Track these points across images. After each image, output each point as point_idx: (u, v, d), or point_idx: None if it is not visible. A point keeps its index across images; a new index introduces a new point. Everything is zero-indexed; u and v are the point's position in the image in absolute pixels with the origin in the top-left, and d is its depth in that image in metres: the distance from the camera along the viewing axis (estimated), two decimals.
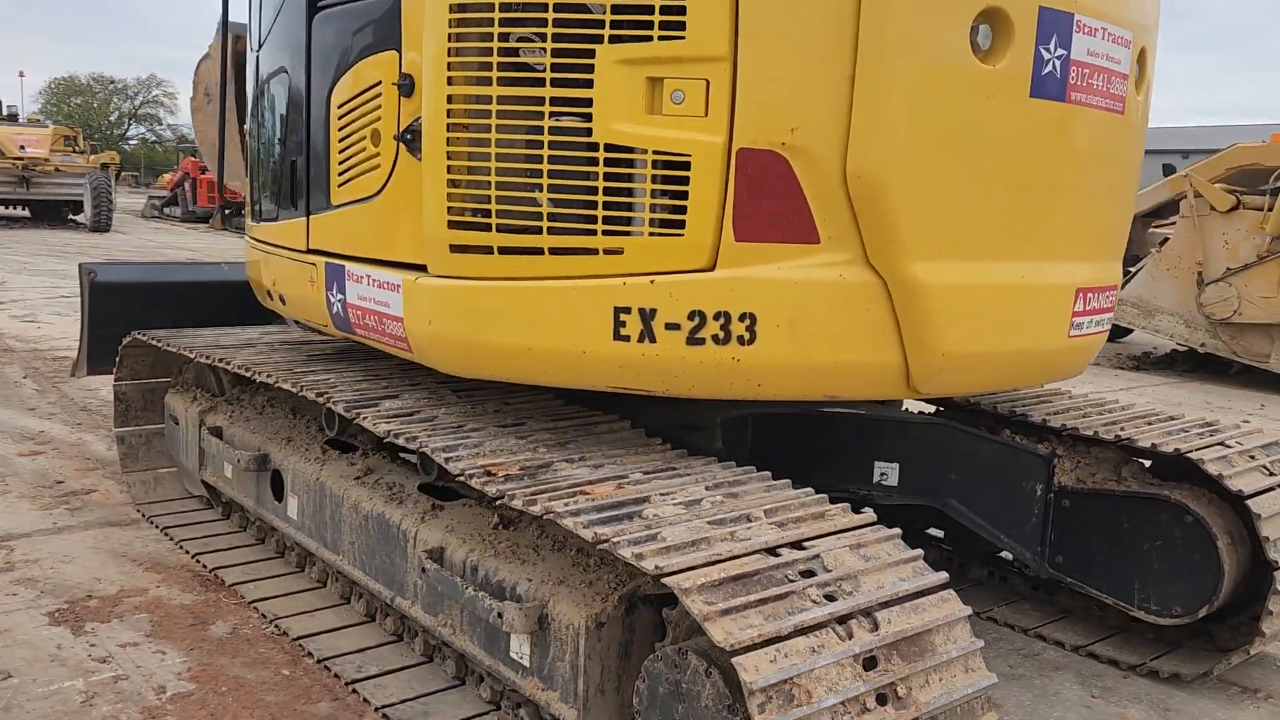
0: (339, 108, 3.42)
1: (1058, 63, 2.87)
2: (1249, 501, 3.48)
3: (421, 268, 3.11)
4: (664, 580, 2.20)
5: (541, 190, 2.80)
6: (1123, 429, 3.87)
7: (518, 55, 2.79)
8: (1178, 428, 3.94)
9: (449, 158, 2.90)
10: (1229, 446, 3.75)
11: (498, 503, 2.68)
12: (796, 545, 2.43)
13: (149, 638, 3.69)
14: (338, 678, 3.45)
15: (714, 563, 2.28)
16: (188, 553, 4.50)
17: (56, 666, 3.44)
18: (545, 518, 2.51)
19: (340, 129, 3.42)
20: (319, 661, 3.56)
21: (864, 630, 2.25)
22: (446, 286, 2.97)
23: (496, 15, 2.77)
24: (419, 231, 3.11)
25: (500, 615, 2.79)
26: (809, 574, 2.33)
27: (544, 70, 2.74)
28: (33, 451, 5.98)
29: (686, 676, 2.33)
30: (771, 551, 2.38)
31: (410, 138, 3.07)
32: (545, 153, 2.78)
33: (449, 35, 2.84)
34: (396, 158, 3.19)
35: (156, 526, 4.82)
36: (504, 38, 2.78)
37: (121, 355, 5.13)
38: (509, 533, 3.13)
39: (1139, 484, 3.81)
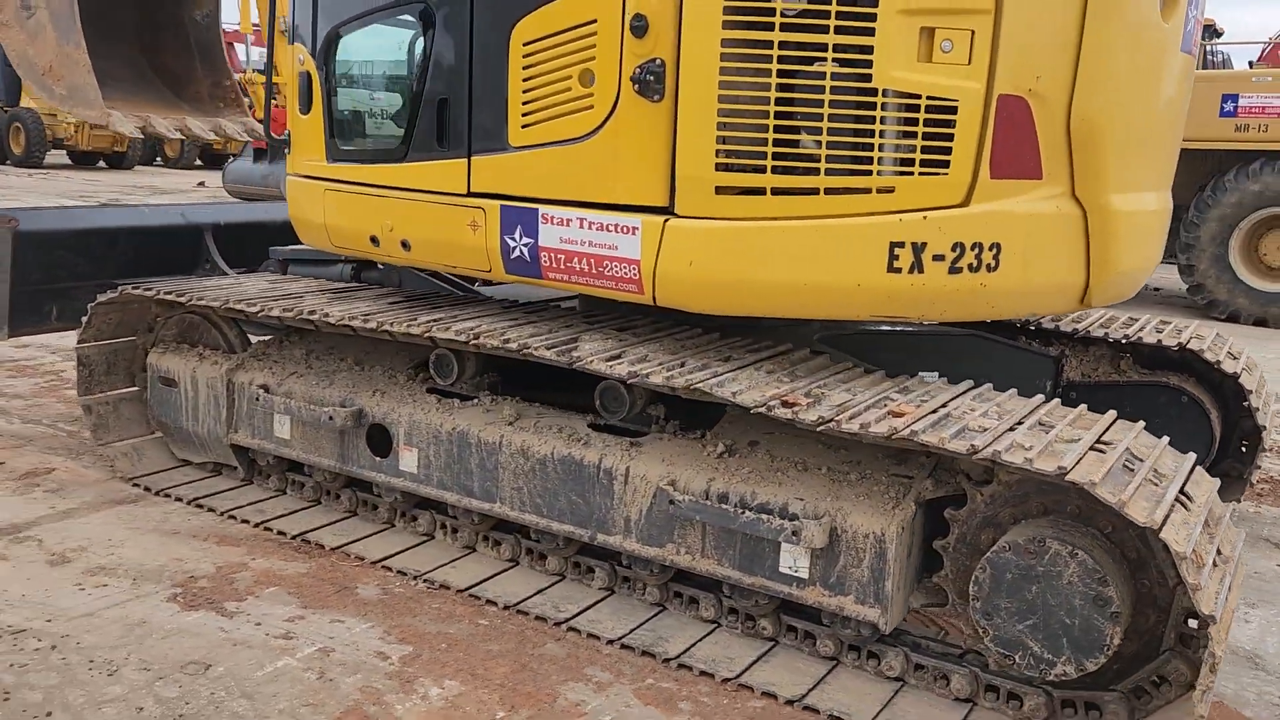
0: (526, 45, 3.30)
1: (1193, 20, 3.41)
2: (1241, 379, 4.34)
3: (660, 210, 3.16)
4: (1070, 480, 2.54)
5: (821, 134, 2.96)
6: (1121, 330, 4.61)
7: (800, 2, 2.90)
8: (1162, 328, 4.76)
9: (720, 102, 2.97)
10: (1203, 338, 4.61)
11: (819, 429, 2.87)
12: (1105, 443, 2.85)
13: (308, 609, 3.49)
14: (541, 619, 3.47)
15: (1080, 461, 2.65)
16: (247, 522, 4.18)
17: (245, 649, 3.20)
18: (904, 438, 2.75)
19: (528, 68, 3.31)
20: (506, 608, 3.55)
21: (1187, 503, 2.73)
22: (713, 228, 3.06)
23: (778, 9, 2.87)
24: (652, 174, 3.15)
25: (795, 533, 3.01)
26: (1133, 463, 2.77)
27: (828, 17, 2.89)
28: None
29: (1044, 561, 2.71)
30: (1098, 448, 2.79)
31: (651, 79, 3.07)
32: (826, 97, 2.93)
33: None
34: (618, 99, 3.17)
35: (177, 499, 4.39)
36: None
37: (91, 314, 4.54)
38: (735, 459, 3.31)
39: (1137, 374, 4.59)
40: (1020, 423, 2.92)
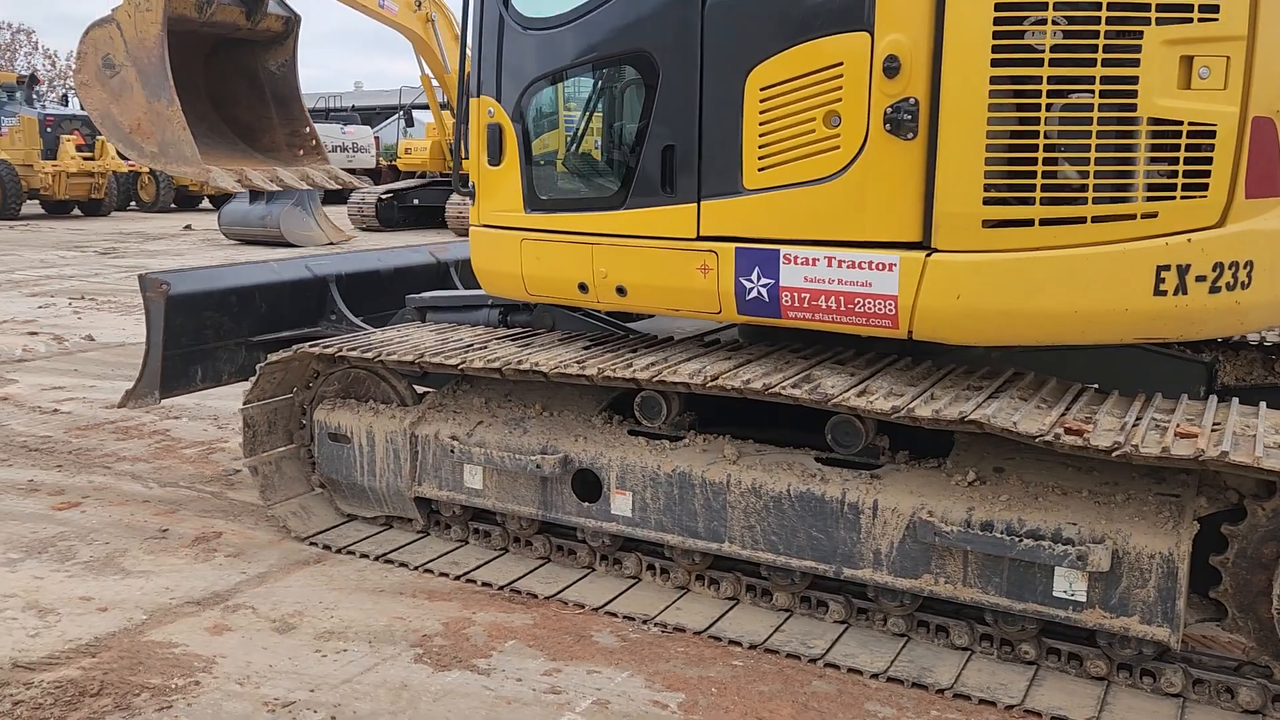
0: (763, 90, 3.33)
1: None
2: None
3: (915, 245, 3.19)
4: None
5: (1089, 163, 3.02)
6: (1276, 336, 4.72)
7: (1066, 39, 2.97)
8: None
9: (989, 138, 3.02)
10: None
11: (1114, 455, 2.91)
12: None
13: (557, 660, 3.46)
14: (794, 657, 3.48)
15: None
16: (446, 575, 4.14)
17: (524, 707, 3.17)
18: (1213, 459, 2.80)
19: (765, 111, 3.34)
20: (752, 648, 3.55)
21: None
22: (982, 261, 3.10)
23: (1050, 9, 2.93)
24: (905, 210, 3.19)
25: (1081, 558, 3.04)
26: None
27: (1095, 51, 2.96)
28: (67, 504, 5.01)
29: None
30: None
31: (907, 118, 3.12)
32: (1094, 128, 3.00)
33: (993, 21, 2.95)
34: (866, 138, 3.21)
35: (363, 556, 4.34)
36: (1055, 21, 2.94)
37: (260, 374, 4.48)
38: (988, 487, 3.34)
39: None
40: None
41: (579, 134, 3.93)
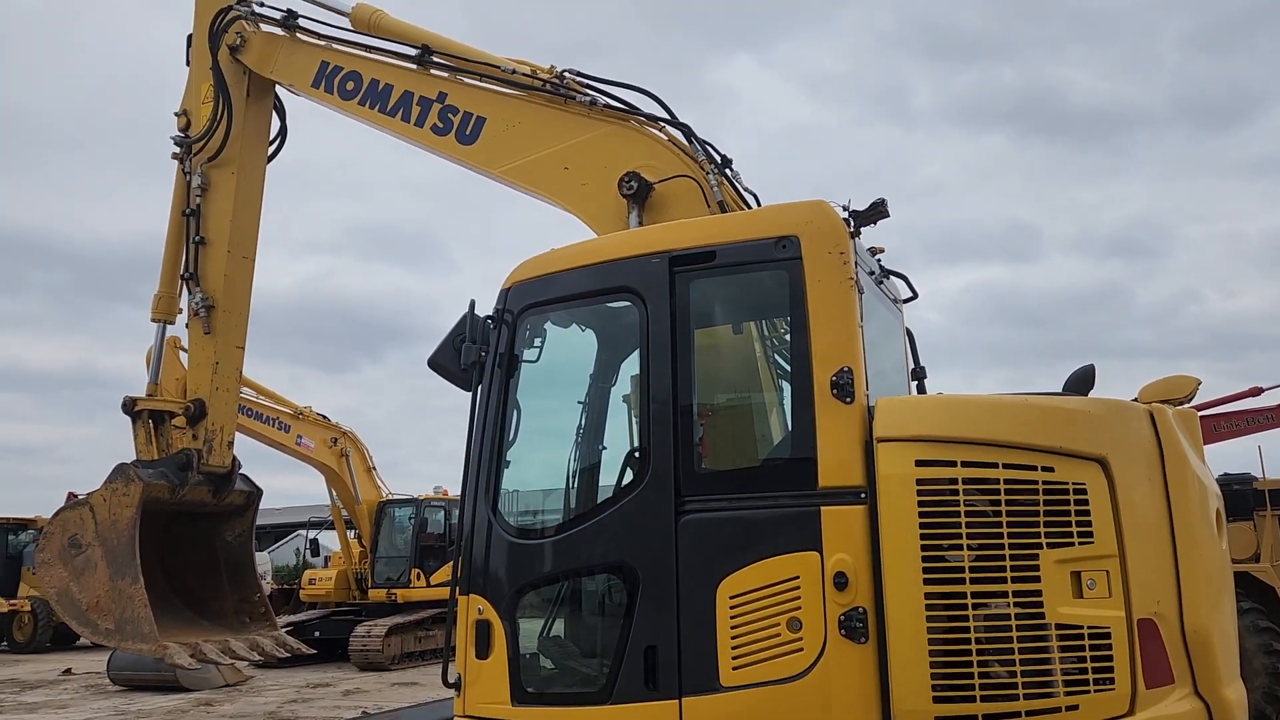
0: (732, 599, 3.87)
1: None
2: None
3: None
4: None
5: (1015, 663, 3.57)
6: None
7: (978, 560, 3.64)
8: None
9: (930, 644, 3.58)
10: None
11: None
12: None
13: None
14: None
15: None
16: None
17: None
18: None
19: (735, 616, 3.86)
20: None
21: None
22: None
23: (964, 536, 3.64)
24: (866, 708, 3.65)
25: None
26: None
27: (1005, 570, 3.63)
28: None
29: None
30: None
31: (858, 624, 3.67)
32: (1014, 634, 3.59)
33: (919, 544, 3.63)
34: (825, 641, 3.73)
35: None
36: (969, 546, 3.63)
37: None
38: None
39: None
40: None
41: (566, 632, 4.34)
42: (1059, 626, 3.64)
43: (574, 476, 4.96)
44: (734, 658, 3.86)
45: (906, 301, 5.40)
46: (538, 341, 4.83)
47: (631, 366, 5.02)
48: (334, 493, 23.77)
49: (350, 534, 24.67)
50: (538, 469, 5.01)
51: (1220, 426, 17.22)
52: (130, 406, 7.31)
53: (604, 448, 5.22)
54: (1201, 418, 4.55)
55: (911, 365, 5.58)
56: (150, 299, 7.65)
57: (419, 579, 22.94)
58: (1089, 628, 3.65)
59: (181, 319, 7.68)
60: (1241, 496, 11.70)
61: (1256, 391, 17.63)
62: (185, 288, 7.48)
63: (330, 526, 26.10)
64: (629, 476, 4.52)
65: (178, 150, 7.52)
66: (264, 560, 35.31)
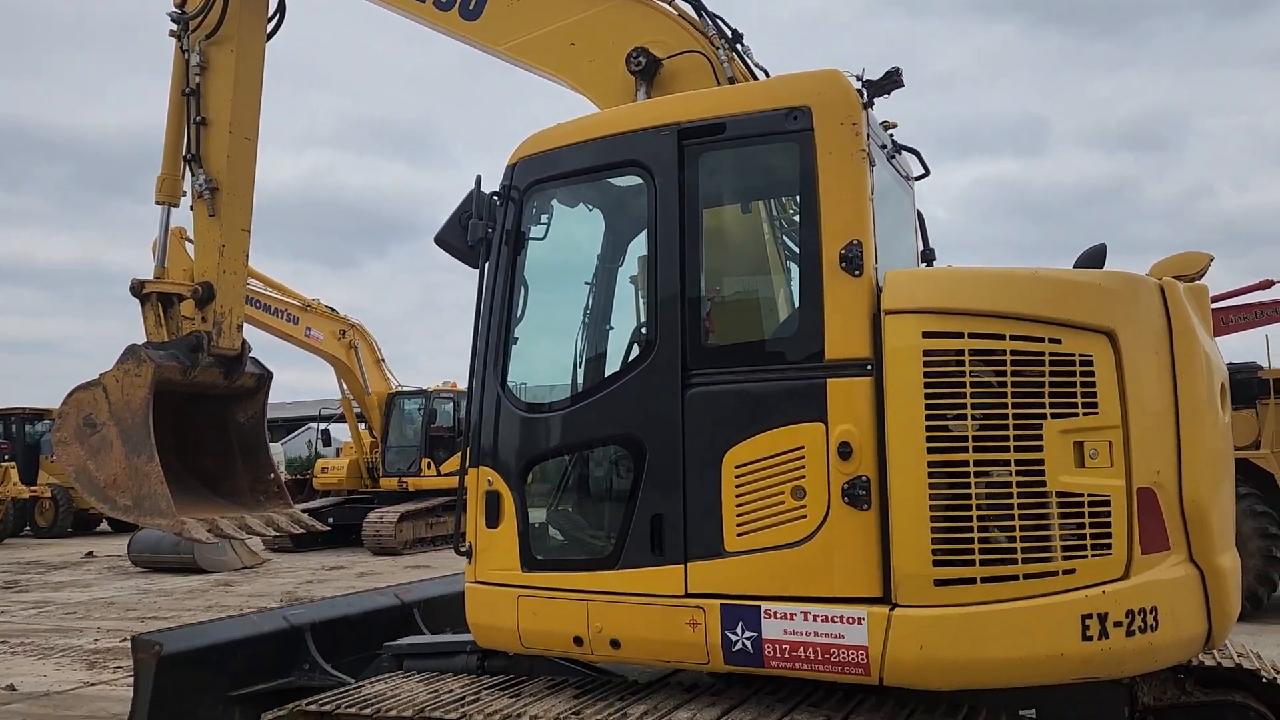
0: (737, 469, 3.94)
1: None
2: None
3: (878, 600, 3.71)
4: None
5: (1014, 529, 3.65)
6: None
7: (983, 430, 3.68)
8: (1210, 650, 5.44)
9: (932, 510, 3.64)
10: (1250, 657, 5.32)
11: None
12: None
13: None
14: None
15: None
16: None
17: None
18: None
19: (741, 485, 3.93)
20: None
21: None
22: (939, 615, 3.62)
23: (969, 406, 3.67)
24: (866, 571, 3.74)
25: None
26: None
27: (1008, 439, 3.67)
28: None
29: None
30: None
31: (860, 492, 3.74)
32: (1015, 501, 3.65)
33: (925, 415, 3.67)
34: (829, 509, 3.80)
35: None
36: (974, 416, 3.67)
37: None
38: None
39: (1202, 694, 5.22)
40: None
41: (574, 501, 4.44)
42: (1060, 494, 3.70)
43: (582, 353, 4.99)
44: (739, 524, 3.95)
45: (918, 179, 5.33)
46: (544, 218, 4.80)
47: (639, 248, 5.01)
48: (344, 385, 24.03)
49: (361, 426, 25.03)
50: (547, 346, 5.04)
51: (1230, 319, 17.19)
52: (138, 289, 7.31)
53: (611, 327, 5.24)
54: (1212, 311, 4.53)
55: (921, 247, 5.54)
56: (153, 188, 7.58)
57: (429, 468, 23.34)
58: (1089, 495, 3.71)
59: (186, 203, 7.63)
60: (1245, 385, 11.75)
61: (1268, 284, 17.53)
62: (188, 170, 7.41)
63: (341, 419, 26.46)
64: (636, 352, 4.54)
65: (175, 28, 7.36)
66: (277, 451, 35.83)
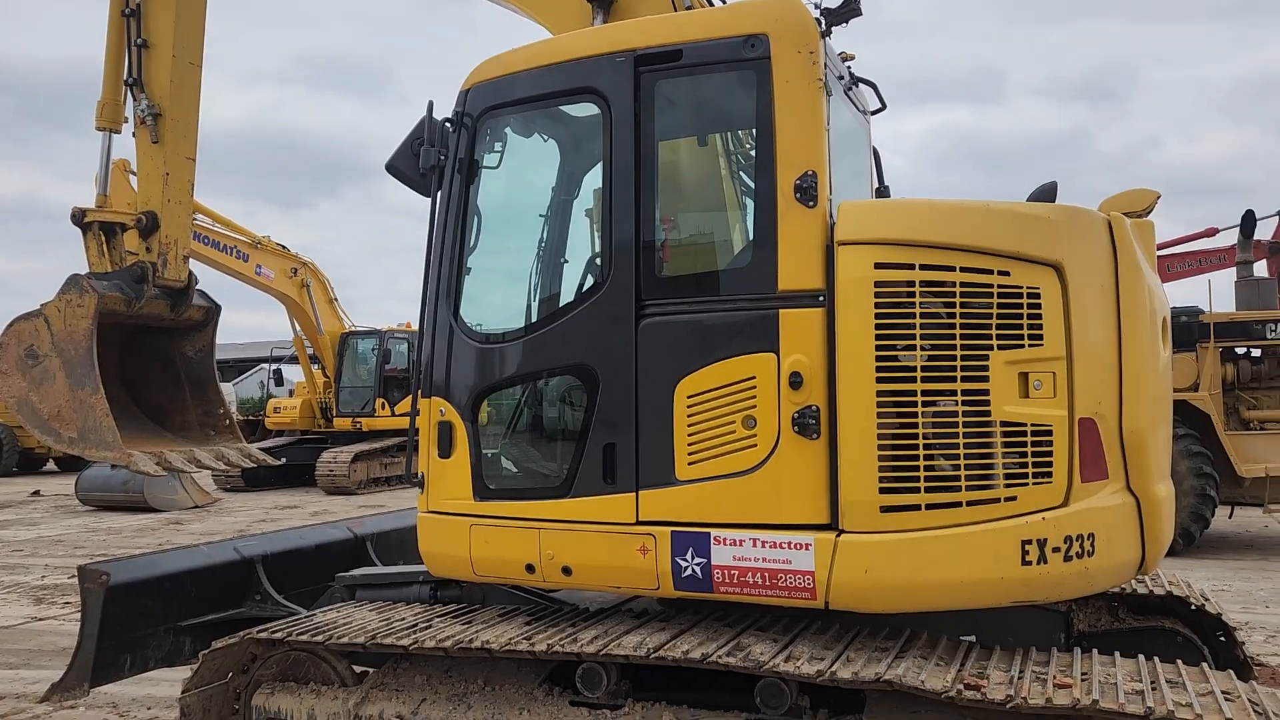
0: (689, 398, 3.96)
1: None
2: (1224, 618, 5.22)
3: (826, 527, 3.78)
4: None
5: (959, 457, 3.72)
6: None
7: (931, 360, 3.73)
8: (1142, 579, 5.64)
9: (880, 439, 3.70)
10: (1180, 585, 5.52)
11: (1007, 706, 3.43)
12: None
13: None
14: None
15: None
16: None
17: None
18: (1086, 707, 3.34)
19: (693, 415, 3.96)
20: None
21: None
22: (884, 540, 3.70)
23: (918, 338, 3.71)
24: (814, 498, 3.80)
25: None
26: None
27: (955, 370, 3.73)
28: None
29: None
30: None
31: (811, 421, 3.78)
32: (960, 430, 3.72)
33: (875, 345, 3.71)
34: (779, 438, 3.85)
35: None
36: (922, 347, 3.72)
37: (202, 661, 4.60)
38: None
39: (1134, 620, 5.41)
40: (1154, 685, 3.58)
41: (526, 431, 4.45)
42: (1004, 424, 3.77)
43: (535, 283, 4.96)
44: (690, 453, 3.98)
45: (875, 113, 5.33)
46: (498, 146, 4.73)
47: (594, 181, 4.96)
48: (296, 324, 23.73)
49: (314, 365, 24.79)
50: (500, 277, 5.00)
51: (1174, 266, 17.53)
52: (80, 218, 7.12)
53: (565, 260, 5.21)
54: (1158, 258, 4.61)
55: (876, 184, 5.55)
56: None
57: (384, 408, 23.22)
58: (1032, 425, 3.79)
59: (128, 130, 7.42)
60: (1187, 328, 12.01)
61: (1212, 232, 17.88)
62: (130, 95, 7.19)
63: (294, 359, 26.18)
64: (590, 282, 4.53)
65: None
66: (228, 392, 35.40)
